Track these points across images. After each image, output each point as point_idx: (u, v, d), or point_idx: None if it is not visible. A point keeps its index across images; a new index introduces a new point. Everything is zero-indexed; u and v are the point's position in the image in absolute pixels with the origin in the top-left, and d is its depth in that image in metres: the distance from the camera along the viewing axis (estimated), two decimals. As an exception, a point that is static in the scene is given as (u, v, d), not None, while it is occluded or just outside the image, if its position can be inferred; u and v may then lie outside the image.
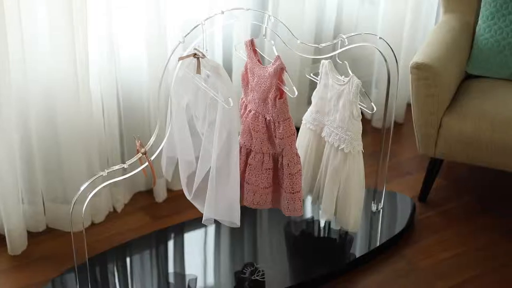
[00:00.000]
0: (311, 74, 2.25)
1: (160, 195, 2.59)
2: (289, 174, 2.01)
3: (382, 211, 2.47)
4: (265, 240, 2.42)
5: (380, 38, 2.17)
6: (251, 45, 2.00)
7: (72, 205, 1.82)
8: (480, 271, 2.25)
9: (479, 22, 2.66)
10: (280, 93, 1.92)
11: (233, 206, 1.97)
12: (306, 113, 2.27)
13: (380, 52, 2.21)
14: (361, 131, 2.11)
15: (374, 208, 2.47)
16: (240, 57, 2.11)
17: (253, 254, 2.35)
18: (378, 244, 2.33)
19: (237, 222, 1.99)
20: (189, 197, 2.06)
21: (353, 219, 2.21)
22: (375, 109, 2.12)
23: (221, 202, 1.96)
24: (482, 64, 2.65)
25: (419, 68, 2.35)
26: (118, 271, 2.24)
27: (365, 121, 2.75)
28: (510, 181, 2.77)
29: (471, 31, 2.70)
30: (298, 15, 2.81)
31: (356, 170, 2.14)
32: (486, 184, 2.78)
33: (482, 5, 2.65)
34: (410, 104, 2.48)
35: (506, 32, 2.58)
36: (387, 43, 2.16)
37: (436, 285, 2.19)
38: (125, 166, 1.82)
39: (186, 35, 1.81)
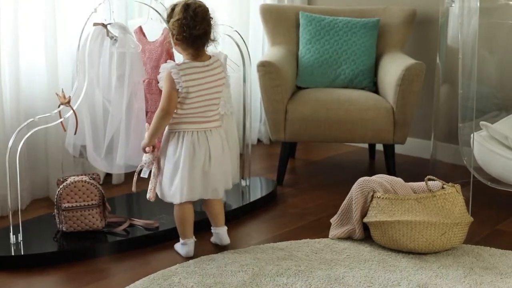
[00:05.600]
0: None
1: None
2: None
3: (249, 187, 2.99)
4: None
5: (235, 31, 2.80)
6: (140, 31, 2.55)
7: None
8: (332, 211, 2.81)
9: (300, 47, 3.43)
10: (169, 56, 2.47)
11: (140, 150, 2.41)
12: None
13: (236, 42, 2.82)
14: (231, 97, 2.68)
15: (243, 183, 2.98)
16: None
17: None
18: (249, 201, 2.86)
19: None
20: (100, 157, 2.47)
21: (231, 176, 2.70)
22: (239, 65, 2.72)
23: (131, 147, 2.40)
24: (308, 77, 3.39)
25: (264, 65, 3.02)
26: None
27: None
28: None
29: (295, 55, 3.45)
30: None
31: (231, 129, 2.67)
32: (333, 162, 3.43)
33: (300, 35, 3.45)
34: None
35: (322, 51, 3.36)
36: (240, 35, 2.80)
37: (306, 218, 2.73)
38: (53, 113, 2.23)
39: (98, 5, 2.33)
